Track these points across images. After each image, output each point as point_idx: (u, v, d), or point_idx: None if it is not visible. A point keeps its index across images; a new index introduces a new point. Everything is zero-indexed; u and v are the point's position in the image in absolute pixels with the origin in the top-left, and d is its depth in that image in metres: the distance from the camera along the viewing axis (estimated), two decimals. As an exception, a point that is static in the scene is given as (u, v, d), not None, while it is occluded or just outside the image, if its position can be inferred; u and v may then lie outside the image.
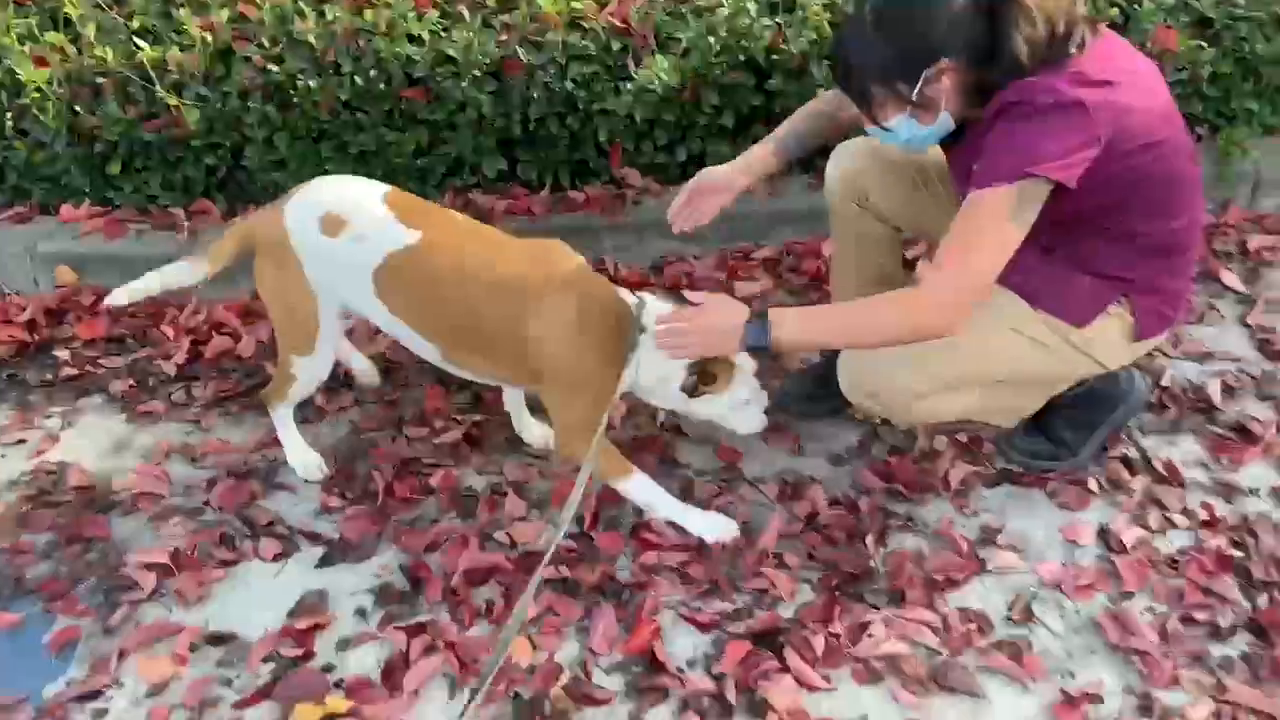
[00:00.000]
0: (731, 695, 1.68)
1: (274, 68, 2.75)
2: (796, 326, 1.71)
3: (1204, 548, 1.90)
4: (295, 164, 2.85)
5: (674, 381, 1.90)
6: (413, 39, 2.81)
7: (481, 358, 1.97)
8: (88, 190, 2.95)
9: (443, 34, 2.81)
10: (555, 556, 1.94)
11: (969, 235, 1.63)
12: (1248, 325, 2.46)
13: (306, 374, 2.09)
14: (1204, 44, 2.82)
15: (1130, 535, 1.93)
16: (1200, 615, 1.77)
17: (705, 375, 1.89)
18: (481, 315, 1.89)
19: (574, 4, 2.81)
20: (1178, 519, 1.96)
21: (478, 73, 2.74)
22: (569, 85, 2.74)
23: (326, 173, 2.89)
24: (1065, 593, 1.83)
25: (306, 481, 2.17)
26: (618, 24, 2.84)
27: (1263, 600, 1.79)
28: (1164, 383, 2.28)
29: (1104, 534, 1.95)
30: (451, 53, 2.76)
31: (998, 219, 1.60)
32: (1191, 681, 1.67)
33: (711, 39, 2.73)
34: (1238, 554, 1.88)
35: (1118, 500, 2.02)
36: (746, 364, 1.96)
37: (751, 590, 1.88)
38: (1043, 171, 1.57)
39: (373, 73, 2.74)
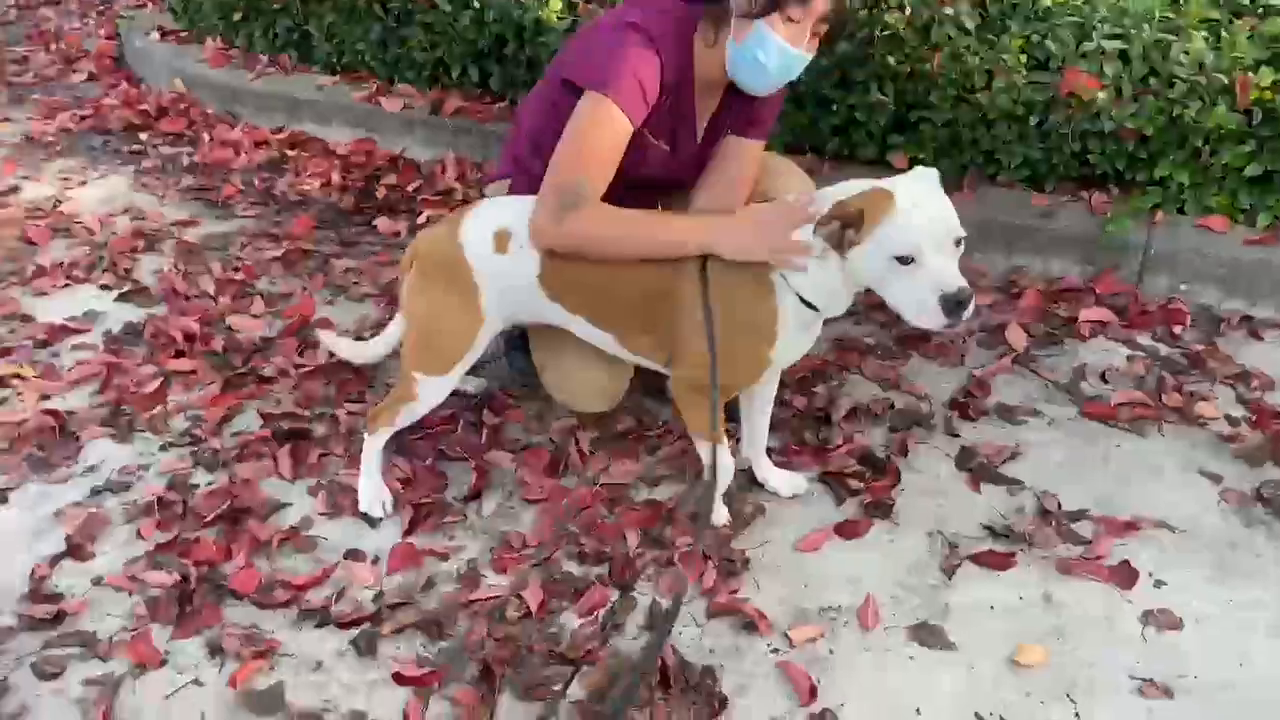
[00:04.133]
0: None
1: None
2: None
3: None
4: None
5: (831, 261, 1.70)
6: None
7: (650, 337, 1.91)
8: (221, 32, 4.29)
9: None
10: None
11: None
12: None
13: (434, 394, 2.01)
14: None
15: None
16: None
17: (847, 216, 1.60)
18: (639, 280, 1.86)
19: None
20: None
21: None
22: None
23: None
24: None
25: (368, 517, 2.05)
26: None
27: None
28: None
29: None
30: None
31: None
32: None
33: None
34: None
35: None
36: (920, 204, 1.58)
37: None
38: None
39: None
